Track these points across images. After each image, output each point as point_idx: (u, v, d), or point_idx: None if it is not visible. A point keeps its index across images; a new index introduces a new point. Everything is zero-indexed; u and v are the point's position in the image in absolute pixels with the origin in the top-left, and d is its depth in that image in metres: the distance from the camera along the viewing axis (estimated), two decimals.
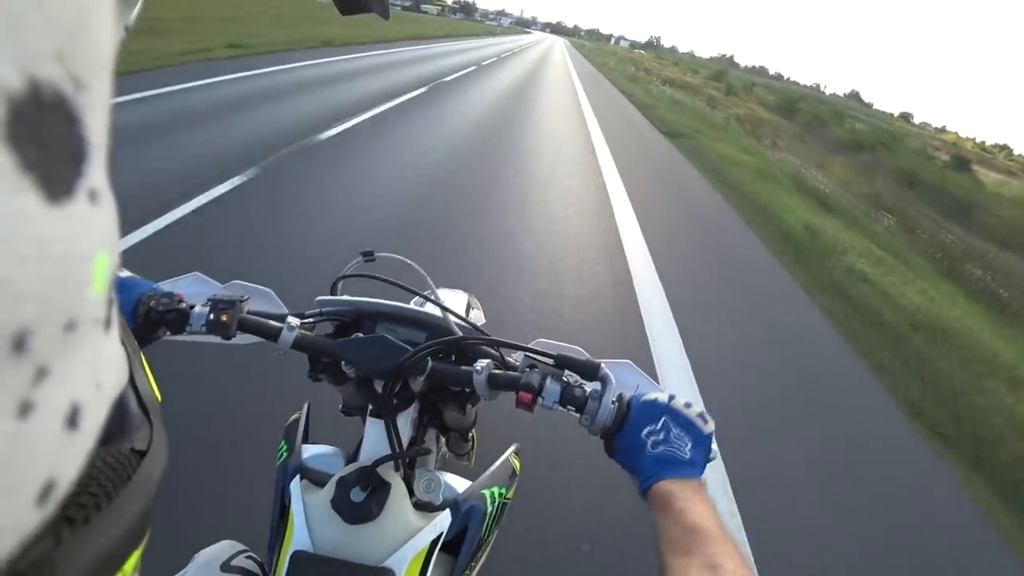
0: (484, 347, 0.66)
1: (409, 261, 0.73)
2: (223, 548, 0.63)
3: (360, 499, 0.57)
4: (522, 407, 0.59)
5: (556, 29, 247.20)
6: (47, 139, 0.12)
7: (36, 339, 0.12)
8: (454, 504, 0.62)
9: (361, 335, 0.63)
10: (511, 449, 0.75)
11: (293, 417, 0.74)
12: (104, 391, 0.17)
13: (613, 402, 0.57)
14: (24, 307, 0.12)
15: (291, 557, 0.55)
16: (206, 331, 0.64)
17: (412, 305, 0.76)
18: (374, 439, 0.65)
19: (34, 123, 0.12)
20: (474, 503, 0.63)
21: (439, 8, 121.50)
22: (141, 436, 0.20)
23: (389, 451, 0.61)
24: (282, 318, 0.66)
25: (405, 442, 0.64)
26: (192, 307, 0.65)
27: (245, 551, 0.63)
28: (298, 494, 0.60)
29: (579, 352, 0.62)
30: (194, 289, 0.73)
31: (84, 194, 0.14)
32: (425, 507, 0.63)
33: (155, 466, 0.20)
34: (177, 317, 0.64)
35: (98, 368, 0.16)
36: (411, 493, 0.62)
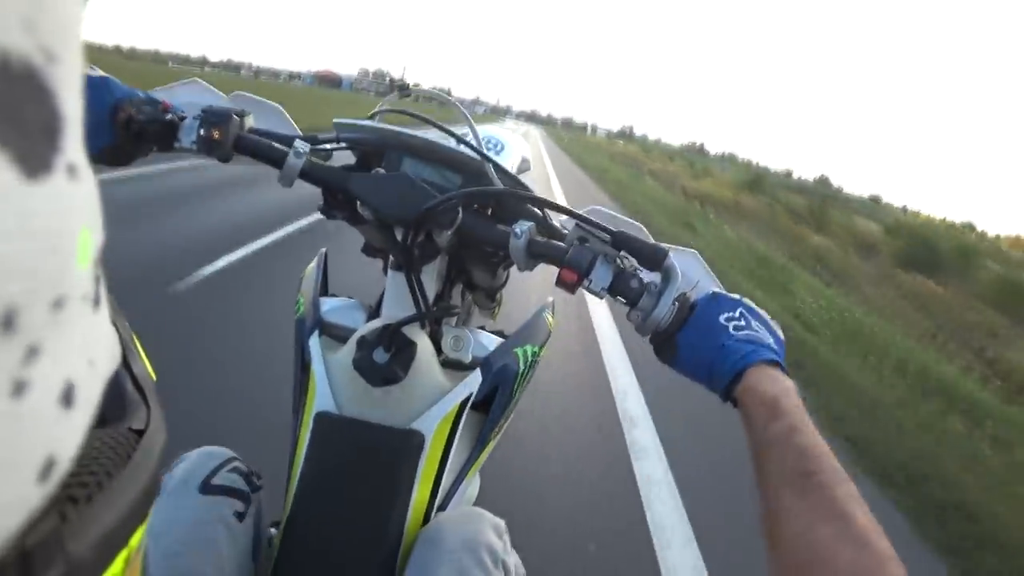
0: (528, 205, 0.58)
1: (450, 98, 0.72)
2: (203, 458, 0.55)
3: (384, 360, 0.54)
4: (563, 287, 0.53)
5: (531, 117, 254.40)
6: (20, 113, 0.12)
7: (25, 317, 0.12)
8: (484, 362, 0.59)
9: (382, 171, 0.57)
10: (547, 304, 0.70)
11: (308, 267, 0.70)
12: (97, 369, 0.17)
13: (674, 301, 0.49)
14: (10, 284, 0.12)
15: (315, 417, 0.54)
16: (196, 149, 0.57)
17: (448, 142, 0.62)
18: (396, 293, 0.60)
19: (5, 96, 0.12)
20: (506, 362, 0.60)
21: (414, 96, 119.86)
22: (138, 416, 0.20)
23: (412, 307, 0.57)
24: (290, 140, 0.59)
25: (431, 296, 0.59)
26: (183, 119, 0.58)
27: (230, 461, 0.56)
28: (318, 352, 0.58)
29: (641, 231, 0.55)
30: (191, 99, 0.62)
31: (63, 169, 0.13)
32: (453, 365, 0.59)
33: (154, 445, 0.20)
34: (162, 129, 0.57)
35: (90, 346, 0.16)
36: (438, 351, 0.59)
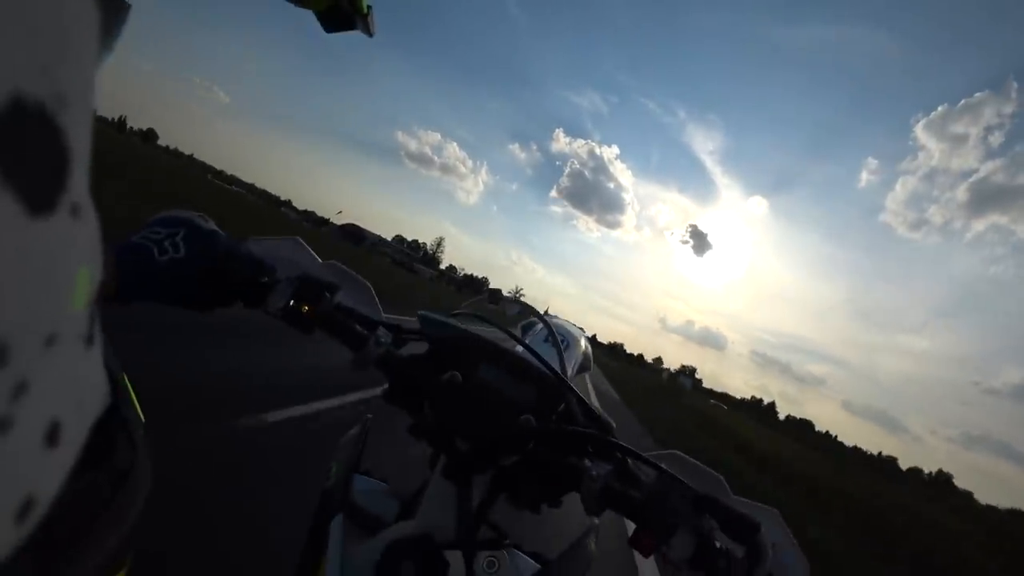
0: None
1: (541, 314, 0.77)
2: None
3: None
4: (638, 548, 0.53)
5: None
6: (28, 151, 0.14)
7: (15, 351, 0.13)
8: None
9: (459, 375, 0.61)
10: (593, 526, 0.71)
11: (349, 433, 0.74)
12: (85, 409, 0.18)
13: None
14: (4, 317, 0.13)
15: None
16: (281, 316, 0.63)
17: (526, 353, 0.70)
18: (438, 499, 0.62)
19: (15, 135, 0.13)
20: None
21: (434, 273, 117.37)
22: (124, 459, 0.22)
23: (455, 521, 0.60)
24: (372, 324, 0.66)
25: (475, 504, 0.62)
26: (277, 282, 0.64)
27: None
28: (338, 539, 0.60)
29: (721, 484, 0.57)
30: (286, 256, 0.69)
31: (66, 208, 0.15)
32: None
33: (138, 489, 0.22)
34: (253, 291, 0.64)
35: (80, 385, 0.17)
36: (468, 566, 0.59)
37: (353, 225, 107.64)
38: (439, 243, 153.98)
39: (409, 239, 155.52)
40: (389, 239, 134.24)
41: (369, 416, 0.73)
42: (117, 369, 0.24)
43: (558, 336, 0.72)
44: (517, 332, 0.74)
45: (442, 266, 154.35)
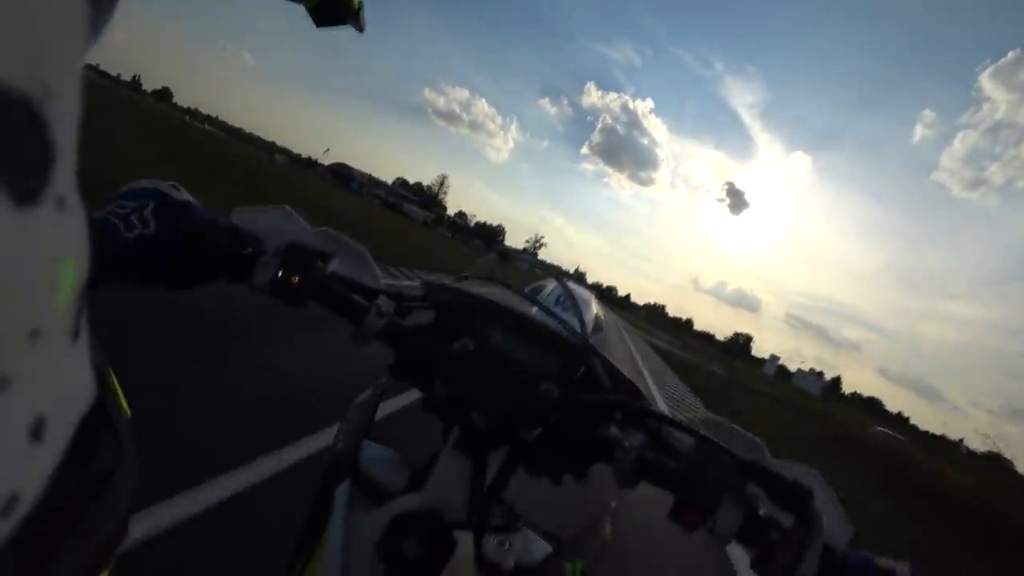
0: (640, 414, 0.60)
1: (550, 270, 0.78)
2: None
3: (415, 553, 0.55)
4: (679, 523, 0.52)
5: (605, 296, 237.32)
6: (13, 144, 0.14)
7: None
8: (527, 574, 0.61)
9: (471, 343, 0.59)
10: (607, 509, 0.73)
11: (361, 397, 0.74)
12: (70, 404, 0.19)
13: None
14: None
15: None
16: (269, 290, 0.62)
17: (544, 316, 0.68)
18: (450, 472, 0.61)
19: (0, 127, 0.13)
20: None
21: (429, 216, 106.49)
22: (109, 458, 0.23)
23: (465, 498, 0.59)
24: (372, 293, 0.64)
25: (488, 480, 0.62)
26: (261, 254, 0.62)
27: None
28: (343, 507, 0.60)
29: (763, 451, 0.55)
30: (275, 226, 0.67)
31: (51, 200, 0.15)
32: (490, 569, 0.59)
33: (123, 486, 0.23)
34: (237, 264, 0.62)
35: (64, 380, 0.18)
36: (477, 549, 0.59)
37: (341, 164, 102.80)
38: (442, 182, 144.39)
39: (412, 182, 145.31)
40: (390, 182, 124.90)
41: (382, 380, 0.71)
42: (103, 364, 0.25)
43: (592, 339, 0.72)
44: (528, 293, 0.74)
45: (449, 211, 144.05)
